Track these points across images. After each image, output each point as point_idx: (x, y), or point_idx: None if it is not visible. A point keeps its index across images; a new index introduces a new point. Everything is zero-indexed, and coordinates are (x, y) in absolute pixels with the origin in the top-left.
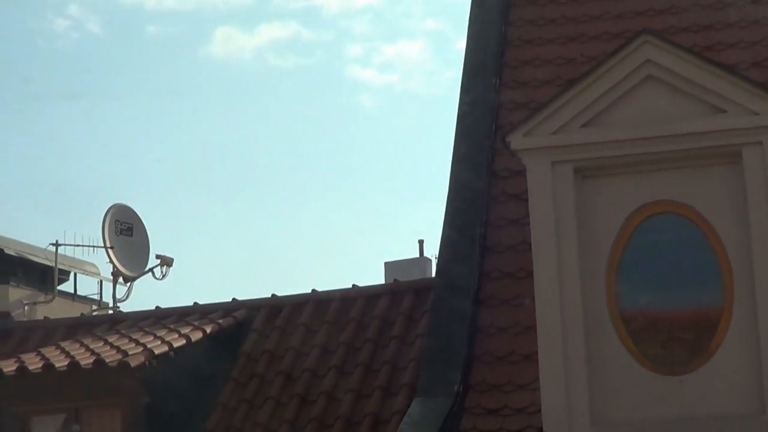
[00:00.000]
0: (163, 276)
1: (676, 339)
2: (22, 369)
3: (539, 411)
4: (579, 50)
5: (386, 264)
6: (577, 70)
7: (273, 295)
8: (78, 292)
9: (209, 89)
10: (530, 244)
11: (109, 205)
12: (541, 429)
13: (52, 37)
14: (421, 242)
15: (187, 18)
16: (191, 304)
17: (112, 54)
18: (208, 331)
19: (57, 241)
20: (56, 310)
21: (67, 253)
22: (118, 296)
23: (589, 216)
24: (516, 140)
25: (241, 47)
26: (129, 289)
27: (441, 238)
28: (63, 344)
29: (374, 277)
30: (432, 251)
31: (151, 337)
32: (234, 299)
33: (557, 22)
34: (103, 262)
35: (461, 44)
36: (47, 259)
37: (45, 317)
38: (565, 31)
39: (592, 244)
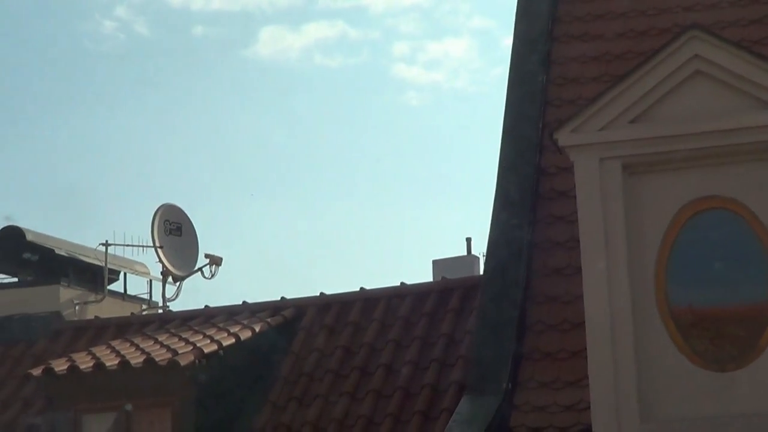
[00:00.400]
0: (212, 275)
1: (725, 335)
2: (73, 368)
3: (588, 408)
4: (627, 46)
5: (434, 262)
6: (624, 65)
7: (321, 293)
8: (128, 292)
9: (256, 89)
10: (578, 240)
11: (158, 205)
12: (590, 426)
13: (99, 38)
14: (468, 240)
15: (234, 18)
16: (240, 302)
17: (160, 55)
18: (257, 329)
19: (107, 242)
20: (106, 310)
21: (117, 253)
22: (167, 295)
23: (638, 212)
24: (564, 137)
25: (288, 47)
26: (178, 289)
27: (489, 236)
28: (113, 343)
29: (422, 275)
30: (479, 249)
31: (201, 336)
32: (282, 298)
33: (605, 18)
34: (152, 262)
35: (508, 41)
36: (97, 259)
37: (95, 317)
38: (613, 26)
39: (641, 241)
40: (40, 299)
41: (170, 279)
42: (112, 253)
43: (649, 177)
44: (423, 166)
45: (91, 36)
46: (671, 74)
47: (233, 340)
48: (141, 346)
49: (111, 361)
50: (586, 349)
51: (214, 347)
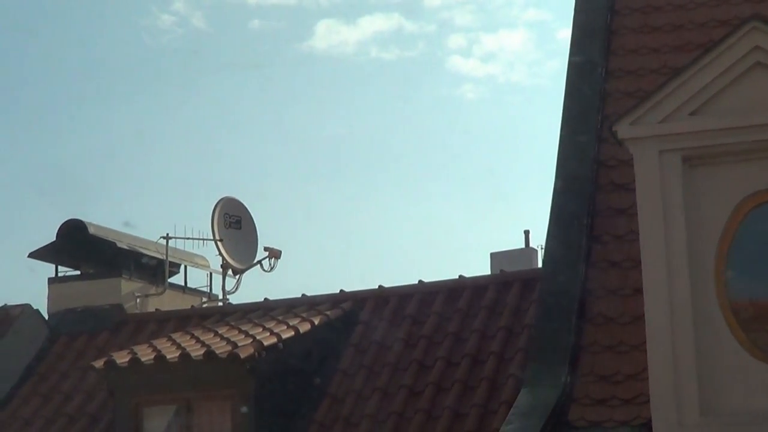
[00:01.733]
0: (272, 268)
1: None
2: (134, 360)
3: (648, 401)
4: (686, 38)
5: (492, 255)
6: (684, 57)
7: (380, 286)
8: (188, 285)
9: (312, 83)
10: (638, 234)
11: (218, 198)
12: (650, 420)
13: (157, 33)
14: (526, 233)
15: (290, 12)
16: (299, 295)
17: (217, 49)
18: (316, 322)
19: (168, 235)
20: (167, 303)
21: (177, 246)
22: (227, 288)
23: (698, 205)
24: (623, 129)
25: (344, 40)
26: (238, 281)
27: (548, 229)
28: (174, 336)
29: (480, 268)
30: (538, 242)
31: (260, 329)
32: (341, 291)
33: (663, 9)
34: (212, 255)
35: (563, 34)
36: (158, 252)
37: (156, 309)
38: (672, 18)
39: (701, 234)
40: (102, 292)
41: (230, 272)
42: (173, 246)
43: (709, 169)
44: (481, 159)
45: (149, 30)
46: (731, 66)
47: (293, 333)
48: (201, 338)
49: (172, 354)
50: (645, 342)
51: (274, 340)
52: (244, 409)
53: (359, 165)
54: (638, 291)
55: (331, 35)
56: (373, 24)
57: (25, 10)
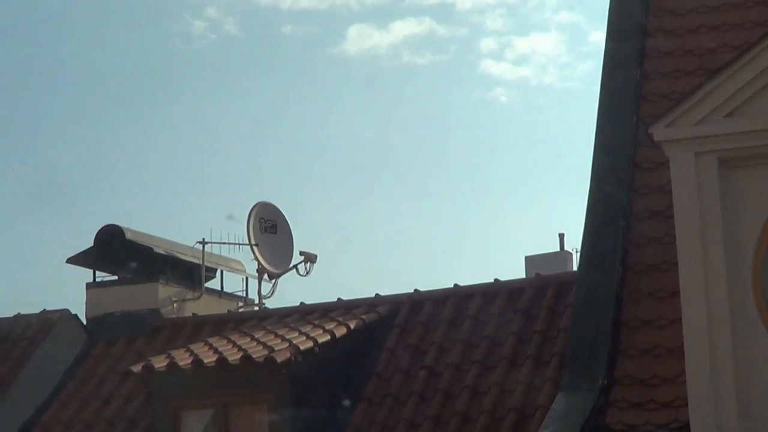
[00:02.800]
0: (307, 272)
1: None
2: (172, 365)
3: (685, 405)
4: (722, 39)
5: (527, 258)
6: (719, 59)
7: (415, 290)
8: (224, 289)
9: (344, 87)
10: (674, 236)
11: (254, 203)
12: (688, 423)
13: (190, 38)
14: (561, 236)
15: (322, 16)
16: (335, 300)
17: (249, 54)
18: (352, 326)
19: (204, 239)
20: (203, 307)
21: (213, 251)
22: (263, 293)
23: (735, 207)
24: (659, 131)
25: (376, 44)
26: (274, 286)
27: (583, 231)
28: (211, 340)
29: (515, 271)
30: (573, 245)
31: (296, 333)
32: (377, 295)
33: (698, 11)
34: (248, 260)
35: (595, 36)
36: (194, 257)
37: (193, 314)
38: (707, 20)
39: (738, 236)
40: (139, 297)
41: (266, 276)
42: (209, 251)
43: (746, 171)
44: (514, 163)
45: (181, 36)
46: (767, 67)
47: (328, 337)
48: (238, 342)
49: (209, 358)
50: (683, 345)
51: (310, 344)
52: (279, 413)
53: (391, 169)
54: (675, 294)
55: (362, 40)
56: (404, 28)
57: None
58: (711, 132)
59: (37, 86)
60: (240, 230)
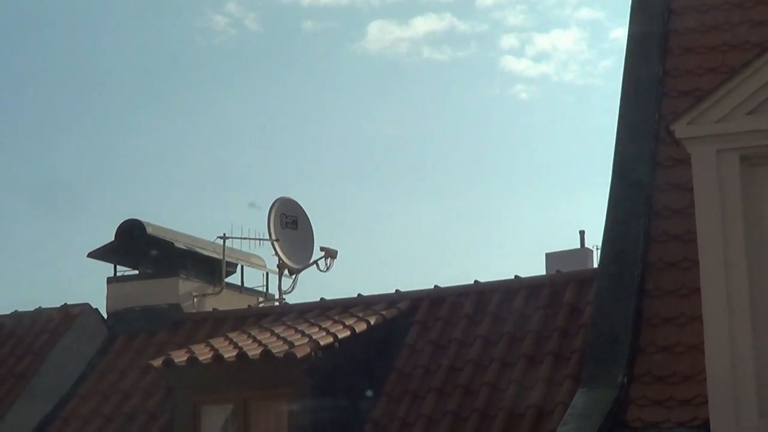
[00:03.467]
0: (328, 268)
1: None
2: (192, 359)
3: (705, 402)
4: (744, 36)
5: (547, 255)
6: (742, 56)
7: (435, 286)
8: (245, 284)
9: (365, 83)
10: (695, 234)
11: (275, 199)
12: (708, 421)
13: (210, 34)
14: (582, 233)
15: (342, 13)
16: (355, 295)
17: (270, 50)
18: (372, 322)
19: (224, 235)
20: (224, 302)
21: (234, 246)
22: (283, 288)
23: (756, 204)
24: (680, 129)
25: (396, 41)
26: (294, 281)
27: (604, 229)
28: (231, 335)
29: (535, 268)
30: (593, 242)
31: (317, 329)
32: (397, 290)
33: (721, 8)
34: (269, 255)
35: (616, 33)
36: (215, 252)
37: (213, 309)
38: (730, 17)
39: (760, 233)
40: (160, 291)
41: (286, 272)
42: (230, 246)
43: None
44: (535, 159)
45: (202, 32)
46: None
47: (349, 333)
48: (258, 338)
49: (229, 353)
50: (703, 342)
51: (330, 339)
52: (299, 408)
53: (412, 165)
54: (696, 291)
55: (383, 36)
56: (425, 24)
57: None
58: (733, 129)
59: (57, 82)
60: (261, 218)
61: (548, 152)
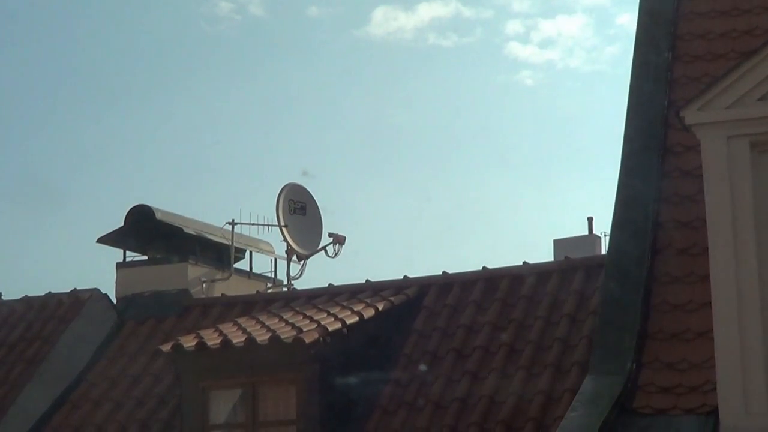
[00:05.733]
0: (336, 254)
1: None
2: (201, 344)
3: (714, 389)
4: (754, 22)
5: (555, 241)
6: (752, 42)
7: (444, 272)
8: (253, 270)
9: (370, 69)
10: (705, 220)
11: (283, 184)
12: (717, 408)
13: (215, 20)
14: (590, 219)
15: None
16: (363, 281)
17: (274, 36)
18: (380, 308)
19: (233, 220)
20: (233, 288)
21: (243, 232)
22: (292, 274)
23: (766, 191)
24: (690, 115)
25: (401, 27)
26: (302, 267)
27: (613, 215)
28: (240, 320)
29: (543, 254)
30: (601, 228)
31: (325, 314)
32: (405, 277)
33: None
34: (277, 241)
35: (622, 19)
36: (224, 237)
37: (222, 294)
38: (740, 3)
39: None
40: (169, 277)
41: (295, 257)
42: (238, 231)
43: None
44: (541, 146)
45: (207, 18)
46: None
47: (357, 319)
48: (266, 323)
49: (237, 338)
50: (712, 329)
51: (338, 325)
52: (307, 393)
53: (419, 151)
54: (705, 278)
55: (388, 22)
56: (430, 10)
57: None
58: (743, 116)
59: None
60: (269, 211)
61: (555, 138)
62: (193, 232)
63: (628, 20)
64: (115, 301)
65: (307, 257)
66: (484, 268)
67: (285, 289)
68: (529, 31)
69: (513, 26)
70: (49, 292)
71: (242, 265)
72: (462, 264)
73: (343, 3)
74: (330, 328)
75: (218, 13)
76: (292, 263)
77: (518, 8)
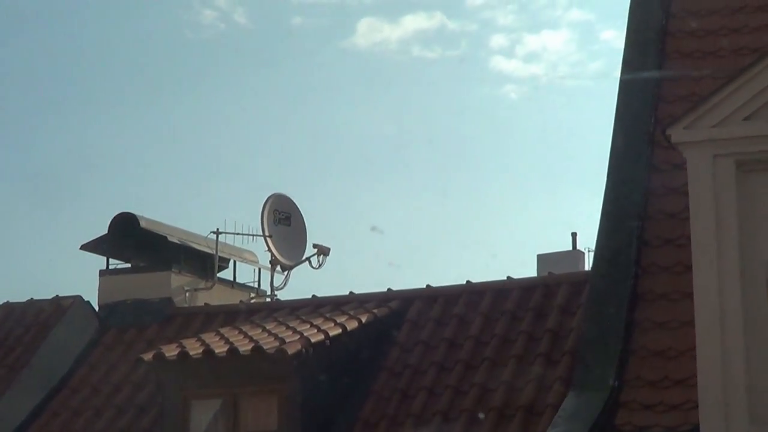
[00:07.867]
0: (320, 265)
1: None
2: (183, 354)
3: (696, 407)
4: (741, 42)
5: (539, 257)
6: (739, 61)
7: (428, 285)
8: (237, 280)
9: (354, 81)
10: (689, 238)
11: (268, 195)
12: (698, 426)
13: (199, 28)
14: (574, 235)
15: (332, 9)
16: (347, 293)
17: (258, 45)
18: (364, 320)
19: (218, 230)
20: (216, 297)
21: (227, 241)
22: (275, 284)
23: (751, 210)
24: (677, 133)
25: (386, 38)
26: (286, 278)
27: (598, 231)
28: (222, 330)
29: (527, 269)
30: (585, 244)
31: (308, 326)
32: (389, 289)
33: (720, 13)
34: (261, 251)
35: (606, 35)
36: (208, 246)
37: (205, 303)
38: (728, 22)
39: (754, 240)
40: (152, 285)
41: (278, 268)
42: (223, 241)
43: (764, 174)
44: (525, 160)
45: (191, 25)
46: None
47: (340, 330)
48: (249, 333)
49: (220, 348)
50: (694, 348)
51: (321, 336)
52: (289, 404)
53: (403, 164)
54: (688, 296)
55: (373, 33)
56: (415, 22)
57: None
58: (729, 135)
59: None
60: (254, 221)
61: (538, 153)
62: (177, 241)
63: (612, 36)
64: (97, 309)
65: (291, 268)
66: (467, 282)
67: (268, 299)
68: (513, 45)
69: (498, 40)
70: (31, 299)
71: (226, 274)
72: (446, 278)
73: (328, 14)
74: (313, 340)
75: (202, 21)
76: (275, 274)
77: (503, 22)
